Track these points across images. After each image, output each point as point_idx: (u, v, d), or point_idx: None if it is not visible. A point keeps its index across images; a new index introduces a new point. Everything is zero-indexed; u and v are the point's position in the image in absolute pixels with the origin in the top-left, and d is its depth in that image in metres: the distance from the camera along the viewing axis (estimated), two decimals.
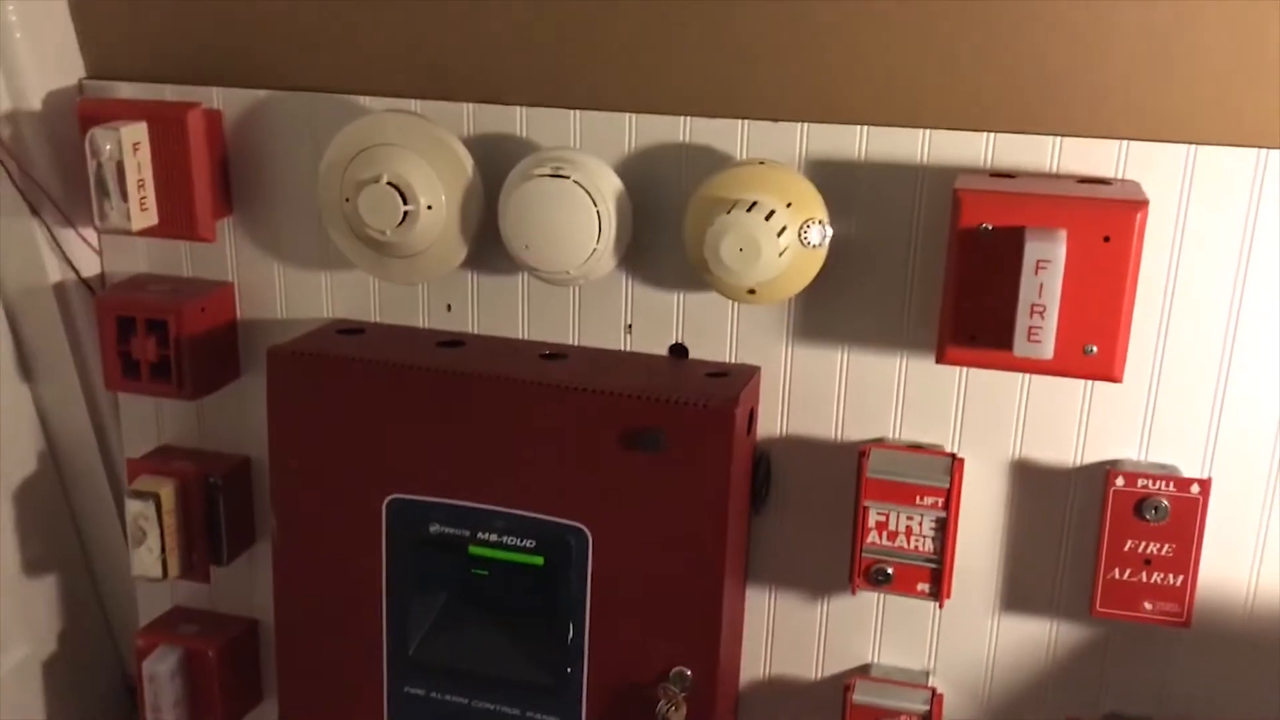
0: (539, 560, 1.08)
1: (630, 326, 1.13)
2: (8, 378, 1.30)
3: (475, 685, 1.12)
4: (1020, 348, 0.90)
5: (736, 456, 1.01)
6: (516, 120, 1.10)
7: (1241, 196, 0.96)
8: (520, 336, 1.16)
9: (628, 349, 1.13)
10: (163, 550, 1.20)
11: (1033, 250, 0.89)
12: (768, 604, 1.16)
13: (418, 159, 1.06)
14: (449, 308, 1.18)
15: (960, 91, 1.00)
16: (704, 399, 1.01)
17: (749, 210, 0.97)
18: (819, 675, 1.16)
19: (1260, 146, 0.94)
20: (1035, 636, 1.10)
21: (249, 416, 1.26)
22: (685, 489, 1.02)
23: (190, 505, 1.22)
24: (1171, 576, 0.99)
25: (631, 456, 1.02)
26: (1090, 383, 1.03)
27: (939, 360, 0.97)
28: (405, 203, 1.05)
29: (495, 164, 1.09)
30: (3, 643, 1.32)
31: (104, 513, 1.39)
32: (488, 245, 1.11)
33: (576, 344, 1.14)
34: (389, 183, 1.05)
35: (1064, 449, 1.05)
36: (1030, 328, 0.90)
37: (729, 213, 0.97)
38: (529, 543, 1.07)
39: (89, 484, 1.37)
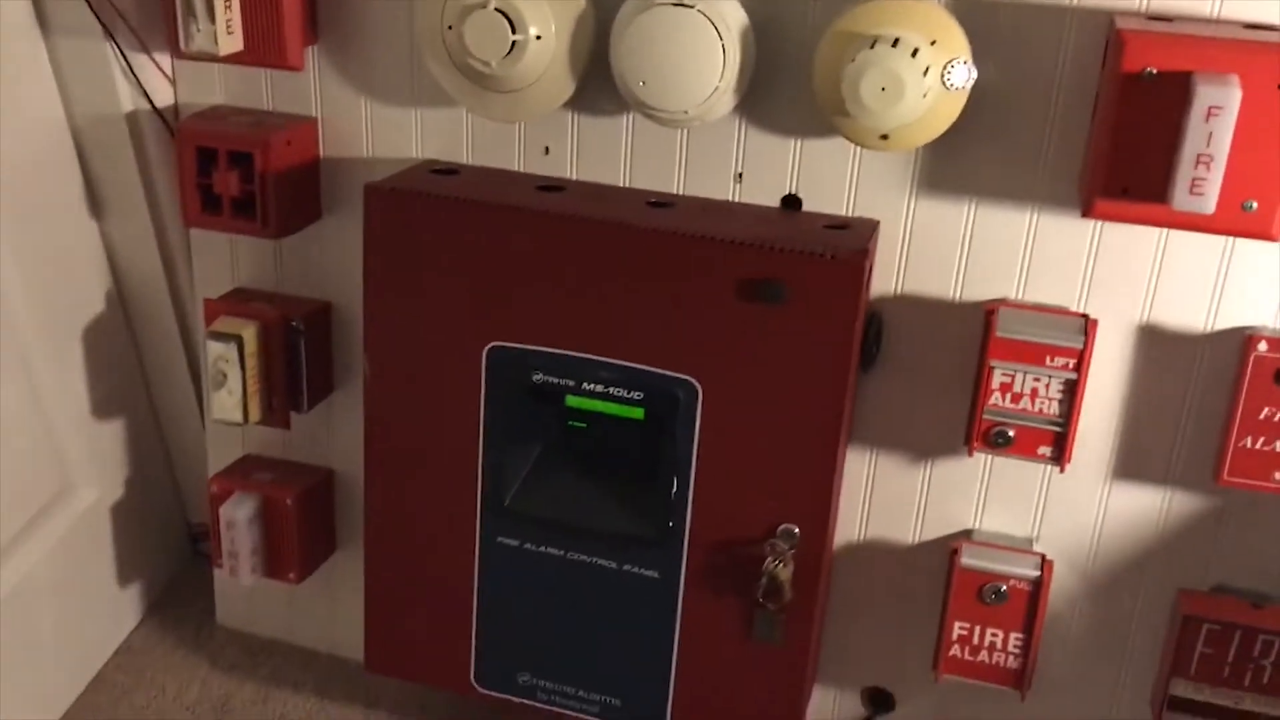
0: (639, 413, 1.05)
1: (740, 175, 1.07)
2: (76, 213, 1.24)
3: (571, 537, 1.09)
4: (1181, 201, 0.86)
5: (861, 312, 0.97)
6: None
7: None
8: (621, 184, 1.11)
9: (737, 199, 1.08)
10: (244, 394, 1.17)
11: (1204, 96, 0.83)
12: (868, 465, 1.13)
13: None
14: (546, 150, 1.12)
15: None
16: (829, 250, 0.96)
17: (893, 46, 0.91)
18: (917, 539, 1.14)
19: None
20: (1147, 506, 1.07)
21: (330, 259, 1.21)
22: (805, 344, 0.98)
23: (272, 349, 1.18)
24: None
25: (748, 309, 0.98)
26: (1230, 243, 0.98)
27: (1085, 214, 0.92)
28: (514, 31, 0.99)
29: None
30: (73, 484, 1.30)
31: (172, 355, 1.35)
32: (594, 82, 1.05)
33: (682, 193, 1.09)
34: (497, 9, 0.98)
35: (1196, 313, 1.01)
36: (1194, 180, 0.85)
37: (872, 48, 0.91)
38: (636, 394, 1.03)
39: (157, 325, 1.33)
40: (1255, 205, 0.87)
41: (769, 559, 1.02)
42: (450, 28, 1.01)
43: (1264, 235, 0.89)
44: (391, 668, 1.21)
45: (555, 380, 1.05)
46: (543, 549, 1.11)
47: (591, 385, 1.04)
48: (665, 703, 1.12)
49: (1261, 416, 0.96)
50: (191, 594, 1.45)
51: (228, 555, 1.24)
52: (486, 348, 1.06)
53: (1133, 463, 1.06)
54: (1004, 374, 1.00)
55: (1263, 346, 0.95)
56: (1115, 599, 1.10)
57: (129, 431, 1.36)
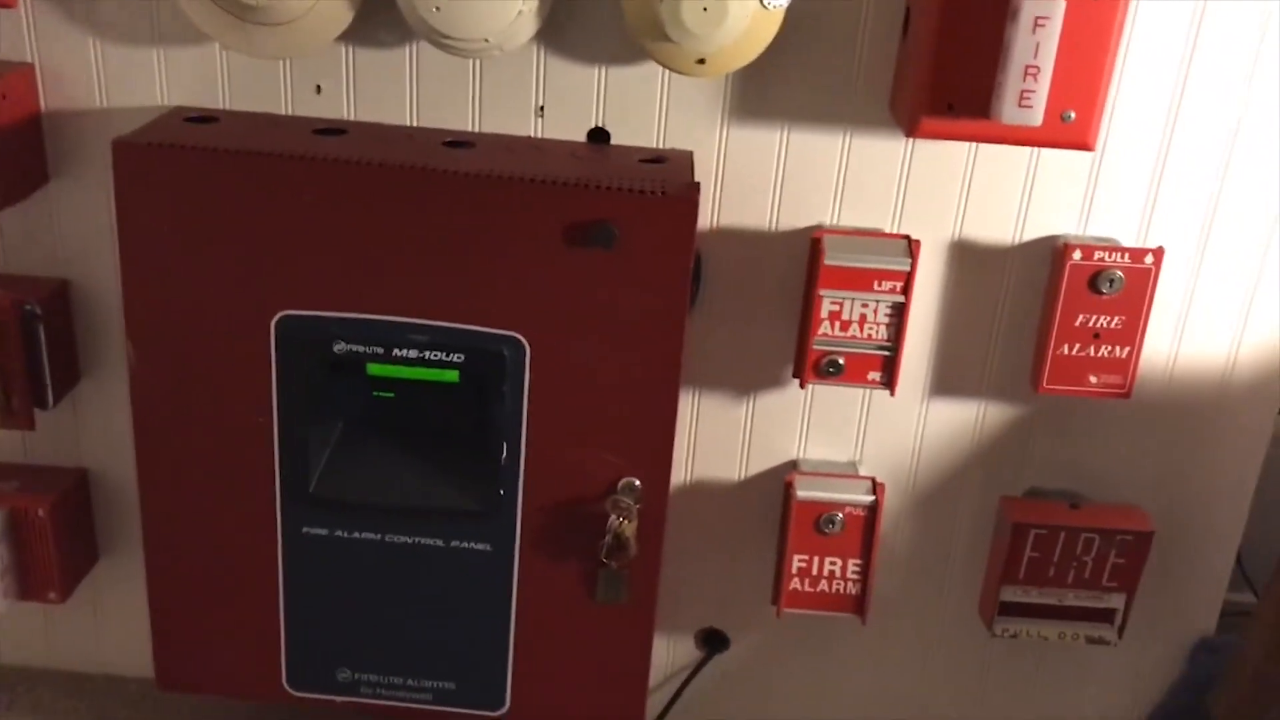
0: (453, 376, 0.96)
1: (542, 109, 0.99)
2: None
3: (389, 519, 1.00)
4: (1009, 114, 0.85)
5: (693, 249, 0.92)
6: None
7: None
8: (409, 124, 1.00)
9: (539, 135, 1.00)
10: None
11: (1031, 6, 0.82)
12: (692, 405, 1.09)
13: None
14: (318, 89, 1.00)
15: None
16: (659, 187, 0.90)
17: None
18: (743, 475, 1.12)
19: None
20: (963, 419, 1.09)
21: (63, 230, 1.04)
22: (638, 288, 0.91)
23: (5, 340, 1.00)
24: (1118, 349, 0.99)
25: (575, 254, 0.91)
26: (1036, 155, 0.99)
27: (910, 134, 0.90)
28: None
29: None
30: None
31: None
32: (371, 10, 0.94)
33: (479, 130, 1.00)
34: None
35: (1005, 226, 1.02)
36: (1023, 92, 0.84)
37: None
38: (456, 358, 0.94)
39: None
40: (1074, 115, 0.88)
41: (613, 516, 0.96)
42: None
43: (1082, 145, 0.90)
44: (188, 682, 1.08)
45: (361, 349, 0.94)
46: (357, 535, 1.00)
47: (404, 351, 0.94)
48: (505, 679, 1.05)
49: (1077, 323, 0.99)
50: None
51: None
52: (275, 318, 0.94)
53: (949, 378, 1.07)
54: (833, 302, 0.98)
55: (1077, 255, 0.97)
56: (937, 512, 1.12)
57: None
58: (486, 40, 0.89)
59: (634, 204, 0.89)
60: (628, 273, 0.91)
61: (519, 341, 0.93)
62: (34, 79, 0.99)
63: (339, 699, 1.06)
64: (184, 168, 0.91)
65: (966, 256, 1.03)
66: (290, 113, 1.00)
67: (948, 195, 1.01)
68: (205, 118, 0.98)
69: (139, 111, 0.99)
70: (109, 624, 1.19)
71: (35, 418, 1.05)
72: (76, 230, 1.04)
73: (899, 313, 0.98)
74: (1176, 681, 1.18)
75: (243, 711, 1.18)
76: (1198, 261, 1.02)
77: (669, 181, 0.91)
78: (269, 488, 0.99)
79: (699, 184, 0.91)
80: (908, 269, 0.96)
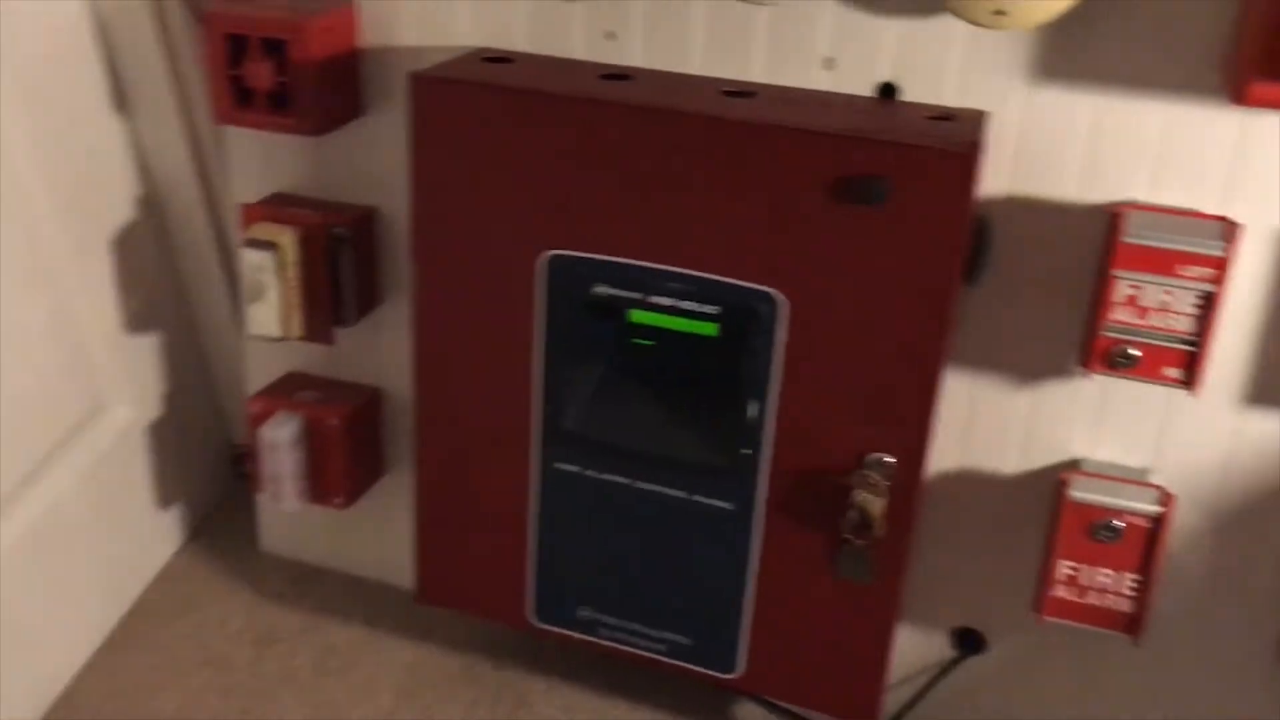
0: (712, 329, 0.94)
1: (830, 61, 0.95)
2: (101, 111, 1.15)
3: (636, 464, 1.00)
4: None
5: (970, 214, 0.85)
6: None
7: None
8: (693, 73, 0.99)
9: (826, 88, 0.96)
10: (283, 307, 1.08)
11: None
12: (965, 387, 1.02)
13: None
14: (611, 36, 1.00)
15: None
16: (937, 142, 0.84)
17: None
18: (1018, 469, 1.03)
19: None
20: None
21: (374, 161, 1.11)
22: (905, 250, 0.86)
23: (313, 258, 1.08)
24: None
25: (842, 211, 0.86)
26: None
27: (1238, 101, 0.80)
28: None
29: None
30: (107, 403, 1.22)
31: (207, 264, 1.27)
32: None
33: (764, 82, 0.97)
34: None
35: None
36: None
37: None
38: (710, 309, 0.92)
39: (190, 232, 1.25)
40: None
41: (860, 491, 0.92)
42: None
43: None
44: (442, 599, 1.14)
45: (619, 293, 0.94)
46: (605, 476, 1.01)
47: (659, 299, 0.93)
48: (738, 643, 1.03)
49: None
50: (234, 518, 1.38)
51: (269, 479, 1.17)
52: (544, 256, 0.96)
53: (1273, 387, 0.94)
54: (1130, 285, 0.88)
55: None
56: (1243, 536, 0.99)
57: (165, 347, 1.28)
58: None
59: (907, 159, 0.84)
60: (897, 233, 0.86)
61: (775, 297, 0.90)
62: (354, 16, 1.05)
63: (578, 636, 1.08)
64: (473, 103, 0.94)
65: None
66: (583, 58, 1.02)
67: None
68: (501, 58, 1.01)
69: (446, 51, 1.04)
70: (388, 534, 1.27)
71: (336, 335, 1.13)
72: (387, 161, 1.10)
73: (1209, 303, 0.87)
74: None
75: (494, 637, 1.23)
76: None
77: (949, 138, 0.85)
78: (529, 421, 1.02)
79: (981, 142, 0.85)
80: (1222, 254, 0.85)
